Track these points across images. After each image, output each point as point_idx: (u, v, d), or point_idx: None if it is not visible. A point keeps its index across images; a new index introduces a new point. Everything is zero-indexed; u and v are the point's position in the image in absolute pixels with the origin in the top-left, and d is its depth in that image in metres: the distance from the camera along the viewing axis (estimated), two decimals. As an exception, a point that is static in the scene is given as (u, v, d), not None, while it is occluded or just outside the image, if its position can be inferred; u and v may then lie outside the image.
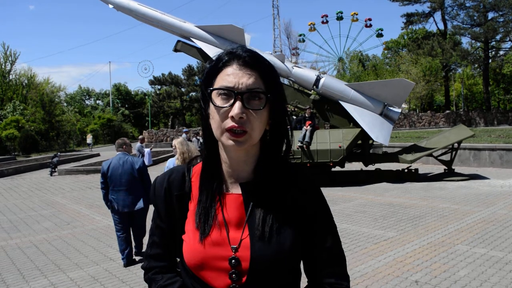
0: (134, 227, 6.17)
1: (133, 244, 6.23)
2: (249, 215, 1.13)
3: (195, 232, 1.14)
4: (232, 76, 1.08)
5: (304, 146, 11.85)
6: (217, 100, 1.08)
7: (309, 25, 61.30)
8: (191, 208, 1.19)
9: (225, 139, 1.07)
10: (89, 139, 38.69)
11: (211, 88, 1.09)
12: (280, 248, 1.10)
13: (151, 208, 6.34)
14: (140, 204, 5.97)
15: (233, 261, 1.08)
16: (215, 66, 1.13)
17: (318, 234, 1.17)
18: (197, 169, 1.24)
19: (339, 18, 60.83)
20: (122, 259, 5.87)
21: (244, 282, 1.09)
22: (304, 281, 1.22)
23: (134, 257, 6.03)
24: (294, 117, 13.96)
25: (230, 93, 1.06)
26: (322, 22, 61.11)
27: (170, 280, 1.21)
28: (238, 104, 1.05)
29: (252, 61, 1.10)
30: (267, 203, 1.13)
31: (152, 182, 1.32)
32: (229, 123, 1.06)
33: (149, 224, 1.31)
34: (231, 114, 1.05)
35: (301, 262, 1.22)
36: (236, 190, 1.17)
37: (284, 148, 1.20)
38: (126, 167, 5.93)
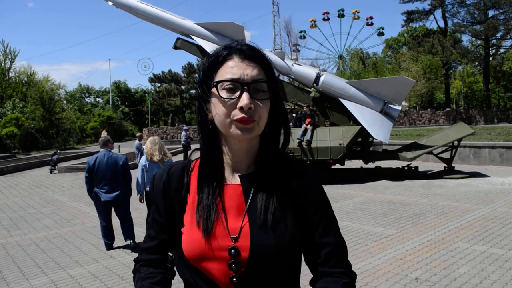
0: (120, 218, 6.64)
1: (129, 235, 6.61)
2: (249, 205, 1.14)
3: (193, 224, 1.15)
4: (236, 68, 1.09)
5: (305, 144, 11.84)
6: (222, 92, 1.09)
7: (310, 21, 61.22)
8: (189, 201, 1.20)
9: (234, 129, 1.08)
10: (104, 135, 38.99)
11: (217, 81, 1.10)
12: (280, 238, 1.10)
13: (133, 199, 6.60)
14: (121, 195, 6.52)
15: (232, 251, 1.09)
16: (215, 61, 1.13)
17: (320, 226, 1.17)
18: (197, 163, 1.25)
19: (341, 15, 60.79)
20: (105, 244, 6.50)
21: (244, 272, 1.09)
22: (304, 278, 1.21)
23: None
24: (294, 115, 13.93)
25: (236, 85, 1.08)
26: (324, 19, 61.05)
27: (151, 274, 1.21)
28: (246, 95, 1.06)
29: (252, 53, 1.12)
30: (268, 193, 1.14)
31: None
32: (238, 114, 1.07)
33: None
34: (240, 105, 1.06)
35: (302, 258, 1.21)
36: (235, 181, 1.17)
37: (282, 140, 1.21)
38: (110, 162, 6.47)
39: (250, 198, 1.14)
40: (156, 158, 6.22)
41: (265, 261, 1.08)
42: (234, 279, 1.09)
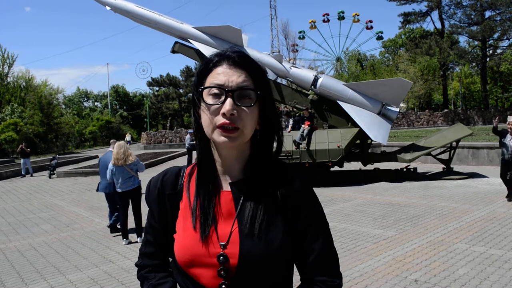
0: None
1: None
2: (238, 212, 1.14)
3: (185, 230, 1.16)
4: (222, 74, 1.10)
5: (296, 144, 11.81)
6: (208, 98, 1.10)
7: (310, 22, 61.19)
8: (181, 207, 1.21)
9: (217, 136, 1.09)
10: (128, 137, 39.26)
11: (202, 87, 1.12)
12: (269, 245, 1.10)
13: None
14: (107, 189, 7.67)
15: (221, 257, 1.09)
16: (206, 67, 1.15)
17: (310, 232, 1.17)
18: (189, 169, 1.26)
19: (341, 18, 60.70)
20: (110, 223, 7.80)
21: (233, 279, 1.09)
22: (296, 282, 1.22)
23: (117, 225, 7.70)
24: (292, 118, 13.94)
25: (221, 91, 1.09)
26: (323, 21, 61.01)
27: (162, 280, 1.24)
28: (229, 101, 1.07)
29: (241, 60, 1.13)
30: (257, 201, 1.15)
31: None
32: (220, 119, 1.07)
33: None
34: (222, 110, 1.07)
35: (294, 263, 1.21)
36: (227, 187, 1.18)
37: (275, 147, 1.21)
38: (107, 162, 7.41)
39: (239, 205, 1.15)
40: (120, 161, 6.97)
41: (254, 268, 1.09)
42: (223, 286, 1.09)
